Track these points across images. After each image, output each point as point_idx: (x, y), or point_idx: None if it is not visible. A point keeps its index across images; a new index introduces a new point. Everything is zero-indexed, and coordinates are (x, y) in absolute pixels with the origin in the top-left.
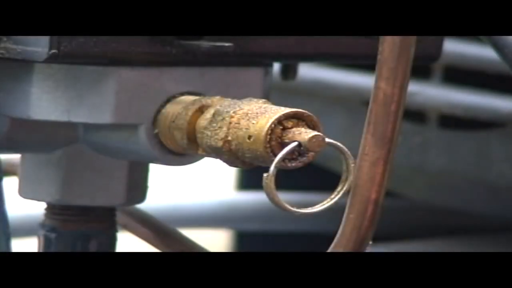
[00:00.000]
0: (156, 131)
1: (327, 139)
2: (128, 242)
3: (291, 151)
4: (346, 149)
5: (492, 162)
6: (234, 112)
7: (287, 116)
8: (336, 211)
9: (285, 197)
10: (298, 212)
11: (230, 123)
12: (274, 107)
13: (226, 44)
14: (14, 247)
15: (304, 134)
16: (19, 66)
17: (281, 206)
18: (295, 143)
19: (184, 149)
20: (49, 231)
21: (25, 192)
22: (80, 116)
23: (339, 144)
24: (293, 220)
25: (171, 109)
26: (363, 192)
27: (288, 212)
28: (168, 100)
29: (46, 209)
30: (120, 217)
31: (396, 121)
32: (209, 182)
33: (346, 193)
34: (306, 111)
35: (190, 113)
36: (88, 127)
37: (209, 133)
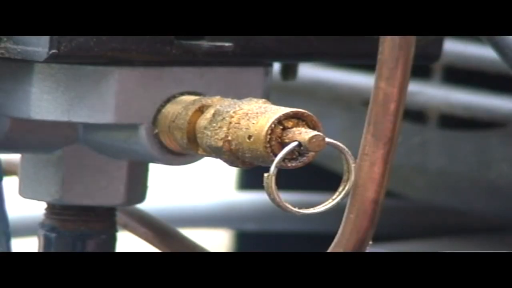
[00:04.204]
0: (156, 131)
1: (327, 139)
2: (128, 242)
3: (291, 151)
4: (346, 149)
5: (492, 162)
6: (234, 112)
7: (287, 116)
8: (336, 211)
9: (285, 197)
10: (299, 212)
11: (230, 123)
12: (274, 107)
13: (226, 44)
14: (14, 247)
15: (304, 134)
16: (19, 66)
17: (282, 206)
18: (295, 143)
19: (184, 149)
20: (49, 231)
21: (25, 192)
22: (80, 116)
23: (339, 144)
24: (293, 220)
25: (171, 109)
26: (363, 192)
27: (289, 212)
28: (168, 100)
29: (46, 209)
30: (120, 217)
31: (396, 121)
32: (209, 182)
33: (347, 193)
34: (306, 111)
35: (190, 113)
36: (88, 127)
37: (209, 133)
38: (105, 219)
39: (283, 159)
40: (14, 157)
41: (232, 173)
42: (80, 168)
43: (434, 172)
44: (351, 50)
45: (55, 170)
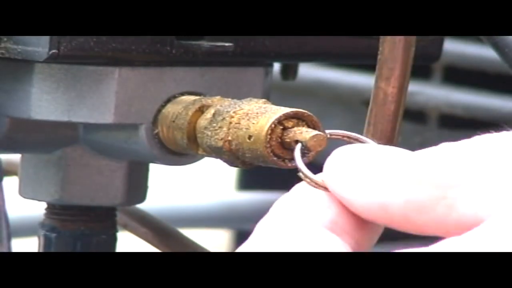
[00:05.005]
0: (156, 131)
1: (329, 131)
2: (128, 242)
3: (291, 151)
4: (356, 134)
5: None
6: (234, 112)
7: (287, 116)
8: None
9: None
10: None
11: (230, 123)
12: (274, 107)
13: (226, 44)
14: (14, 247)
15: (305, 133)
16: (19, 66)
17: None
18: (299, 145)
19: (184, 149)
20: (49, 231)
21: (25, 192)
22: (80, 116)
23: (345, 132)
24: None
25: (171, 109)
26: None
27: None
28: (168, 100)
29: (46, 209)
30: (120, 217)
31: (396, 121)
32: (209, 182)
33: None
34: (306, 111)
35: (190, 113)
36: (88, 127)
37: (209, 133)
38: (105, 219)
39: (283, 159)
40: (14, 157)
41: (232, 173)
42: (80, 168)
43: None
44: (351, 50)
45: (55, 170)
